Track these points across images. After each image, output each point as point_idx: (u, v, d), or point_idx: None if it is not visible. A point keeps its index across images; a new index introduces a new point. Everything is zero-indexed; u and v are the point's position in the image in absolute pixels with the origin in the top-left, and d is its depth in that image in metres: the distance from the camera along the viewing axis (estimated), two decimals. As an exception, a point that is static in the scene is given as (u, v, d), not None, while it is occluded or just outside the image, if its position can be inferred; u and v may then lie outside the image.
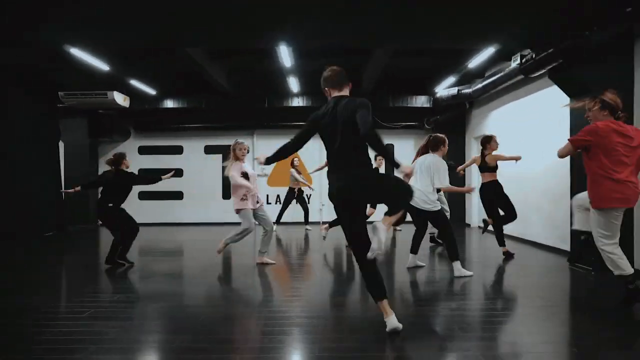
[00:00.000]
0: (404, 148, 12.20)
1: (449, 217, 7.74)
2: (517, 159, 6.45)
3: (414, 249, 5.73)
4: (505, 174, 7.06)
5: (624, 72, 5.42)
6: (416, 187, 5.20)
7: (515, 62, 7.05)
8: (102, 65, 7.58)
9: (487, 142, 6.58)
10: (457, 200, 8.28)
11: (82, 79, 9.12)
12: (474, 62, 7.93)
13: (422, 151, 5.63)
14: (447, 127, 11.35)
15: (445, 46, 7.02)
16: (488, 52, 7.12)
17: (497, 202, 6.50)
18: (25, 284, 5.16)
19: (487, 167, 6.48)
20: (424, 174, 5.35)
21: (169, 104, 10.66)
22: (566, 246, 6.50)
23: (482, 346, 3.10)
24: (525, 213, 7.97)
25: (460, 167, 7.39)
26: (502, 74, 7.78)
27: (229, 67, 9.65)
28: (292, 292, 4.92)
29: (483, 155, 6.56)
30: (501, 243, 6.55)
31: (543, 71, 6.03)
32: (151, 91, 10.12)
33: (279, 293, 4.97)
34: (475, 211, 11.01)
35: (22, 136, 8.89)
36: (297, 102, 10.78)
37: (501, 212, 6.54)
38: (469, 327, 3.53)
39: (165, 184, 11.69)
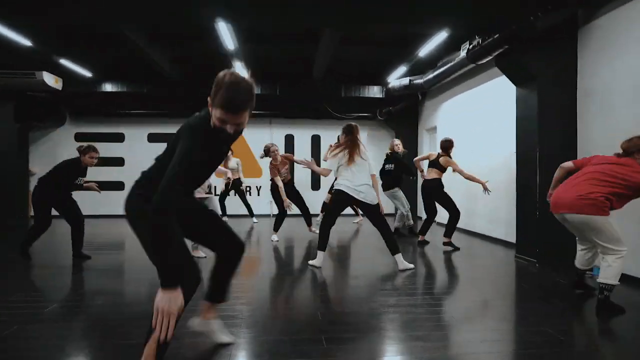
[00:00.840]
0: (357, 139, 12.00)
1: (409, 215, 7.71)
2: (477, 181, 6.30)
3: (324, 246, 5.16)
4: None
5: (568, 60, 5.36)
6: (363, 182, 4.99)
7: (464, 51, 6.91)
8: (23, 40, 6.86)
9: (450, 147, 6.64)
10: (408, 195, 8.18)
11: (3, 55, 8.31)
12: (424, 50, 7.76)
13: (349, 143, 5.13)
14: (400, 119, 11.27)
15: (392, 30, 6.78)
16: (438, 39, 6.96)
17: (435, 199, 6.71)
18: None
19: (438, 166, 6.59)
20: (364, 167, 5.07)
21: (108, 87, 9.92)
22: (512, 238, 6.45)
23: (414, 347, 2.86)
24: (472, 206, 7.94)
25: (417, 159, 7.20)
26: (452, 63, 7.65)
27: (171, 50, 9.06)
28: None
29: (439, 155, 6.62)
30: (423, 232, 6.85)
31: (489, 58, 5.90)
32: (86, 73, 9.38)
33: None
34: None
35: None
36: (246, 89, 10.30)
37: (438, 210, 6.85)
38: (404, 325, 3.29)
39: (105, 174, 11.05)
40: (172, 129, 11.27)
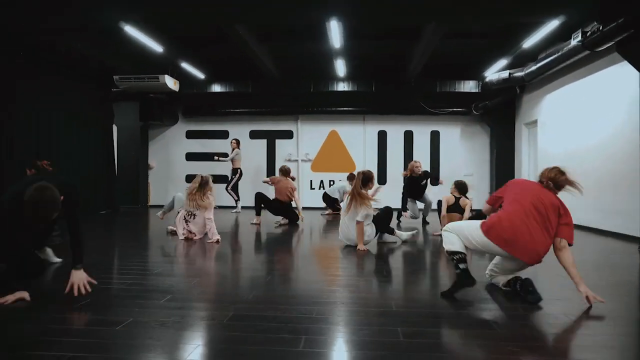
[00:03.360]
0: (450, 134, 11.95)
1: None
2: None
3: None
4: (560, 157, 6.77)
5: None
6: None
7: (575, 40, 6.72)
8: (156, 47, 7.78)
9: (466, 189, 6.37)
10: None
11: (134, 62, 9.41)
12: (530, 42, 7.63)
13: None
14: (496, 113, 11.08)
15: (509, 20, 6.72)
16: (546, 29, 6.82)
17: None
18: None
19: (459, 209, 6.24)
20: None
21: (217, 88, 10.82)
22: (634, 231, 6.16)
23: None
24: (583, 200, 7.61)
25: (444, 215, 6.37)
26: (560, 53, 7.45)
27: (276, 50, 9.69)
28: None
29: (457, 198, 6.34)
30: None
31: (610, 44, 5.69)
32: (200, 75, 10.30)
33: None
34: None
35: (79, 120, 9.20)
36: (343, 86, 10.72)
37: None
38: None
39: (214, 168, 11.85)
40: (271, 126, 12.04)
